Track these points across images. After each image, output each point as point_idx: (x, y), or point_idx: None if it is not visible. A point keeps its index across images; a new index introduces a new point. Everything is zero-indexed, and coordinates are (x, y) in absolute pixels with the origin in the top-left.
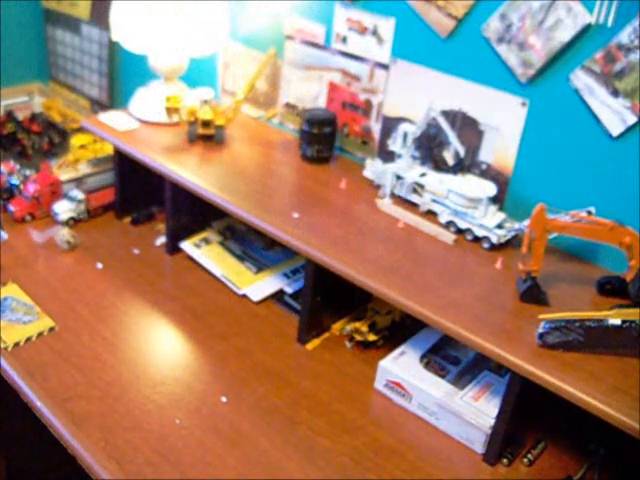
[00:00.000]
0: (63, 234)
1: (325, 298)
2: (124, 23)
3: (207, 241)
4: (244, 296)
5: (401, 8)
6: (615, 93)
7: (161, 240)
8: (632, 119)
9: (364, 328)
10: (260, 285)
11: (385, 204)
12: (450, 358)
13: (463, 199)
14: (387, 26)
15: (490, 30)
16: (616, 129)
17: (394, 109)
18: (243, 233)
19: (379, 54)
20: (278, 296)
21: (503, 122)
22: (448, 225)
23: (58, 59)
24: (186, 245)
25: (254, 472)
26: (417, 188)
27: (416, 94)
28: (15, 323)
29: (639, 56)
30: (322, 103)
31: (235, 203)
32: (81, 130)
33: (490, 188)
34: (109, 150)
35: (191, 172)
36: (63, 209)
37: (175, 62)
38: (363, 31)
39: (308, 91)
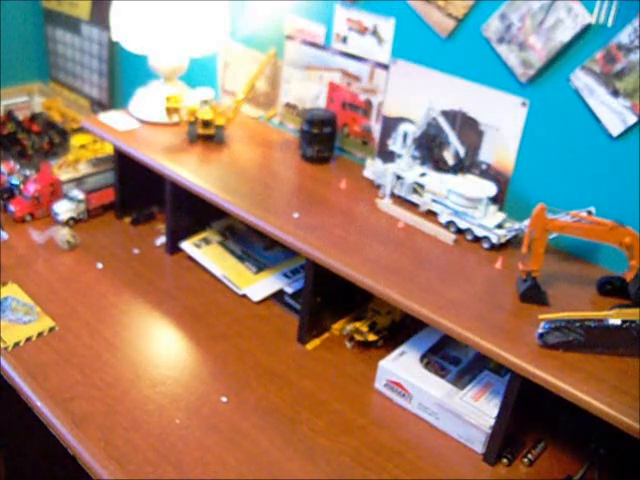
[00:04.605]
0: (63, 234)
1: (325, 298)
2: (124, 23)
3: (207, 241)
4: (244, 296)
5: (401, 8)
6: (615, 93)
7: (161, 240)
8: (632, 119)
9: (364, 328)
10: (260, 285)
11: (385, 204)
12: (450, 358)
13: (463, 199)
14: (387, 26)
15: (490, 30)
16: (616, 129)
17: (394, 109)
18: (243, 233)
19: (379, 54)
20: (278, 296)
21: (503, 122)
22: (448, 225)
23: (58, 59)
24: (186, 245)
25: (254, 472)
26: (417, 188)
27: (416, 94)
28: (15, 323)
29: (639, 56)
30: (322, 103)
31: (235, 203)
32: (81, 130)
33: (490, 188)
34: (109, 150)
35: (191, 172)
36: (63, 209)
37: (175, 62)
38: (363, 31)
39: (308, 91)
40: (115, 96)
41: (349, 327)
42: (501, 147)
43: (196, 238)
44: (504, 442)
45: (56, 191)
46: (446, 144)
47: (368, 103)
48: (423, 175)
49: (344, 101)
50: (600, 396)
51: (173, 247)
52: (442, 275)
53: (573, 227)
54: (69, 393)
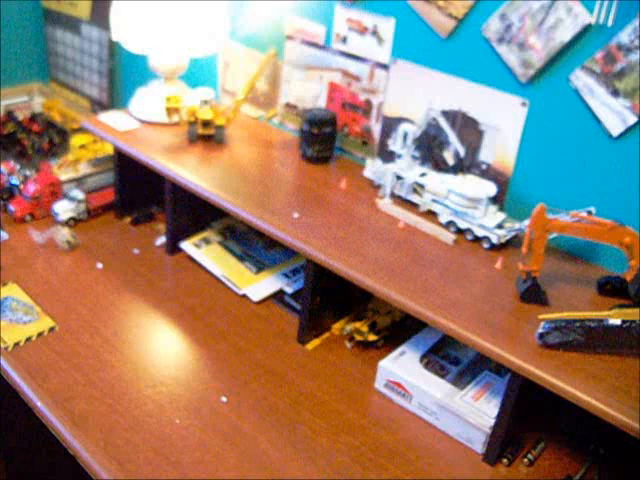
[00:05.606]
0: (63, 234)
1: (325, 298)
2: (124, 23)
3: (207, 241)
4: (244, 296)
5: (401, 8)
6: (615, 93)
7: (161, 240)
8: (632, 119)
9: (364, 328)
10: (260, 285)
11: (385, 204)
12: (450, 358)
13: (463, 199)
14: (387, 26)
15: (490, 30)
16: (616, 129)
17: (394, 109)
18: (243, 233)
19: (379, 54)
20: (278, 296)
21: (503, 122)
22: (448, 225)
23: (58, 59)
24: (186, 245)
25: (254, 472)
26: (417, 188)
27: (416, 94)
28: (15, 323)
29: (639, 56)
30: (322, 103)
31: (235, 203)
32: (81, 130)
33: (490, 188)
34: (109, 150)
35: (191, 172)
36: (63, 209)
37: (175, 62)
38: (363, 31)
39: (308, 91)
40: (115, 96)
41: (349, 327)
42: (501, 147)
43: (196, 238)
44: (504, 442)
45: (56, 191)
46: (446, 144)
47: (368, 103)
48: (423, 175)
49: (344, 101)
50: (600, 396)
51: (173, 247)
52: (442, 275)
53: (573, 227)
54: (69, 393)
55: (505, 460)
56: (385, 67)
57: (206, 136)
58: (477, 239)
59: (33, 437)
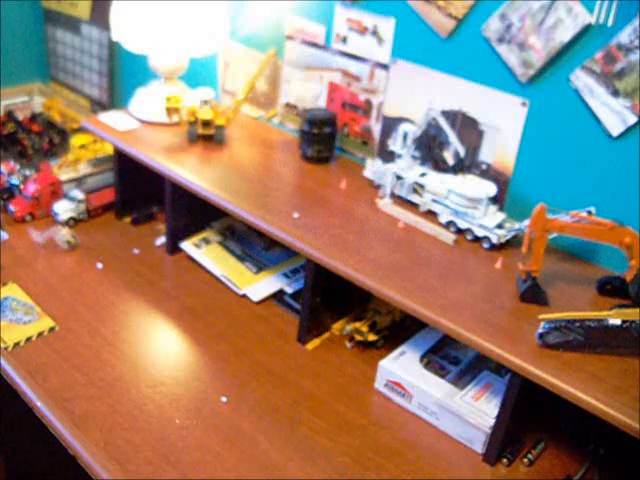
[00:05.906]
0: (63, 234)
1: (325, 298)
2: (124, 23)
3: (207, 241)
4: (244, 296)
5: (401, 8)
6: (615, 93)
7: (161, 240)
8: (632, 119)
9: (364, 328)
10: (260, 285)
11: (385, 204)
12: (450, 358)
13: (463, 199)
14: (387, 26)
15: (490, 30)
16: (616, 129)
17: (394, 109)
18: (243, 233)
19: (379, 54)
20: (278, 296)
21: (503, 122)
22: (448, 225)
23: (58, 59)
24: (186, 245)
25: (254, 472)
26: (417, 188)
27: (416, 94)
28: (15, 323)
29: (639, 56)
30: (322, 103)
31: (235, 203)
32: (81, 130)
33: (490, 188)
34: (109, 150)
35: (191, 172)
36: (63, 209)
37: (175, 62)
38: (363, 31)
39: (308, 91)
40: (115, 96)
41: (349, 327)
42: (501, 147)
43: (196, 238)
44: (504, 442)
45: (56, 191)
46: (446, 144)
47: (368, 103)
48: (423, 175)
49: (344, 101)
50: (600, 396)
51: (173, 247)
52: (442, 275)
53: (573, 227)
54: (69, 393)
55: (505, 460)
56: (385, 67)
57: (206, 136)
58: (477, 239)
59: (33, 437)
